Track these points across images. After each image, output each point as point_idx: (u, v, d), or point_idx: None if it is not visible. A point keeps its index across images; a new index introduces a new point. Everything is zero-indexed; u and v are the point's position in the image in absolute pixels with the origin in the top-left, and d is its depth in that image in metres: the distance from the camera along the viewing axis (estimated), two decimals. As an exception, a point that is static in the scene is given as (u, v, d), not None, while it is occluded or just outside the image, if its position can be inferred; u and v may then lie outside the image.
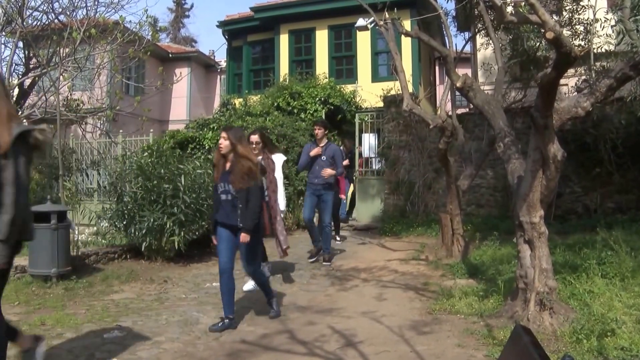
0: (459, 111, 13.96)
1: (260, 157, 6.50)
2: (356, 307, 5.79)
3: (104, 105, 9.64)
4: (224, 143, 5.14)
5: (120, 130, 13.92)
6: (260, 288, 5.63)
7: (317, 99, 14.25)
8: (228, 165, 5.18)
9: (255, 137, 6.82)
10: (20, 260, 7.08)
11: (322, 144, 8.29)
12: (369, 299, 6.18)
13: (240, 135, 5.26)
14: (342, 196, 11.18)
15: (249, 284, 6.50)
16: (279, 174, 7.09)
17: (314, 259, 8.40)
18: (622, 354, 3.82)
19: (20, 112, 9.30)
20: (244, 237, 5.05)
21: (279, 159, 7.25)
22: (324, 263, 8.23)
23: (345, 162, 10.61)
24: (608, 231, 7.32)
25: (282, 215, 7.05)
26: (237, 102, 16.46)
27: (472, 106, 8.73)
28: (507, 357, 1.83)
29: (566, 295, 5.19)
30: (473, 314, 5.18)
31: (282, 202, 7.05)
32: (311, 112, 14.13)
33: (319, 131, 8.32)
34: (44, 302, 5.91)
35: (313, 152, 8.23)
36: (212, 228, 5.45)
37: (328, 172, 8.10)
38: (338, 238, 10.53)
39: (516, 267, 5.19)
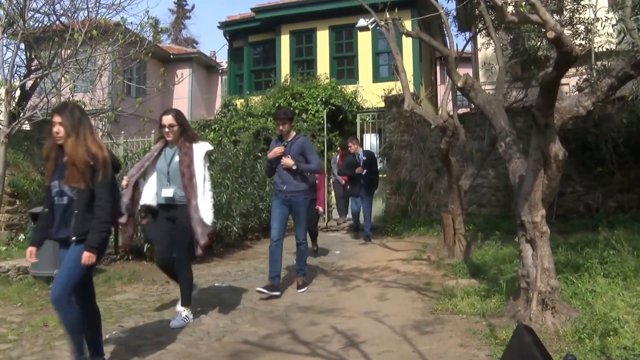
0: (460, 111, 13.95)
1: (175, 146, 5.28)
2: (358, 307, 5.79)
3: (105, 107, 9.62)
4: (60, 130, 3.82)
5: (122, 132, 13.92)
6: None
7: (319, 99, 14.26)
8: (65, 158, 3.84)
9: (168, 119, 5.24)
10: (22, 262, 7.11)
11: (289, 139, 6.68)
12: (371, 299, 6.18)
13: (79, 116, 3.89)
14: (320, 207, 9.32)
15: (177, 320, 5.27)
16: (199, 170, 5.17)
17: (302, 290, 6.74)
18: (624, 353, 3.81)
19: (22, 114, 9.31)
20: (87, 257, 3.71)
21: (200, 149, 5.27)
22: (298, 291, 6.70)
23: (358, 170, 10.50)
24: (610, 230, 7.30)
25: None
26: (239, 102, 16.48)
27: (473, 106, 8.74)
28: (509, 356, 1.83)
29: (568, 294, 5.19)
30: (475, 314, 5.18)
31: (207, 213, 5.12)
32: (312, 112, 14.14)
33: (282, 127, 6.61)
34: (46, 303, 5.90)
35: (271, 154, 6.67)
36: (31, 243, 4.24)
37: (286, 161, 6.47)
38: (315, 249, 9.38)
39: (518, 266, 5.19)
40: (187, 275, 5.31)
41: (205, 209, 5.10)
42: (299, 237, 6.80)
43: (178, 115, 5.32)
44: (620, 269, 5.63)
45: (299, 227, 6.79)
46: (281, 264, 6.58)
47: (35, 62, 10.24)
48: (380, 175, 13.45)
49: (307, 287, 6.84)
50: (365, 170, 10.48)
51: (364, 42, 16.11)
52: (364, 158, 10.54)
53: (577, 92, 5.92)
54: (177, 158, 5.19)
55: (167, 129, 5.22)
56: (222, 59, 24.41)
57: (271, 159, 6.67)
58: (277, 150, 6.57)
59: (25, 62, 10.95)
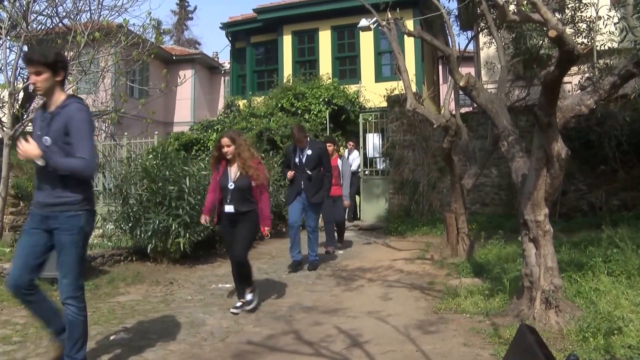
0: (463, 110, 14.01)
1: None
2: (362, 307, 5.79)
3: (108, 108, 9.64)
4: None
5: (125, 133, 13.96)
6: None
7: (321, 99, 14.27)
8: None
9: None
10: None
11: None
12: (374, 298, 6.19)
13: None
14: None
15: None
16: None
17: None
18: (629, 352, 3.81)
19: (25, 116, 9.33)
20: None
21: None
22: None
23: (289, 175, 8.04)
24: (613, 229, 7.30)
25: None
26: (241, 103, 16.50)
27: (475, 105, 8.73)
28: (512, 356, 1.84)
29: (572, 293, 5.18)
30: (479, 313, 5.18)
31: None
32: (315, 112, 14.15)
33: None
34: (50, 304, 5.92)
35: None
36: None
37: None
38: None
39: (521, 265, 5.19)
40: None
41: None
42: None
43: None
44: (624, 267, 5.62)
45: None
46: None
47: (38, 64, 10.24)
48: (383, 175, 13.52)
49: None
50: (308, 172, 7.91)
51: (366, 42, 16.13)
52: (309, 152, 7.89)
53: (579, 91, 5.91)
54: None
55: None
56: (225, 60, 24.48)
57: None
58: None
59: (28, 64, 10.96)
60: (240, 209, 5.70)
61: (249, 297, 5.83)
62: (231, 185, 5.73)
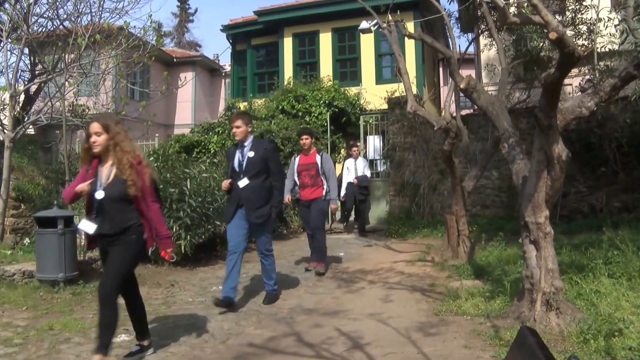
0: (463, 112, 13.98)
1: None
2: (363, 309, 5.80)
3: (109, 111, 9.67)
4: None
5: (126, 135, 13.94)
6: None
7: (322, 101, 14.29)
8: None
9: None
10: (27, 265, 7.14)
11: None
12: (375, 300, 6.19)
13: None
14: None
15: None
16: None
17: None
18: (630, 354, 3.81)
19: (26, 118, 9.35)
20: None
21: None
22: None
23: (224, 184, 6.18)
24: (614, 230, 7.30)
25: None
26: (242, 105, 16.51)
27: (476, 107, 8.73)
28: (512, 358, 1.84)
29: (573, 295, 5.19)
30: (479, 315, 5.18)
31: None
32: (316, 114, 14.17)
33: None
34: (51, 306, 5.94)
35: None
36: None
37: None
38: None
39: (522, 267, 5.19)
40: None
41: None
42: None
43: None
44: (624, 269, 5.62)
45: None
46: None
47: (39, 66, 10.28)
48: (384, 178, 13.51)
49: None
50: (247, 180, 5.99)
51: (367, 44, 16.14)
52: (250, 154, 6.00)
53: (580, 93, 5.91)
54: None
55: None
56: (225, 62, 24.47)
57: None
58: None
59: (29, 66, 11.00)
60: (110, 230, 4.09)
61: (134, 348, 4.43)
62: (100, 194, 4.07)
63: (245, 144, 6.06)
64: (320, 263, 7.86)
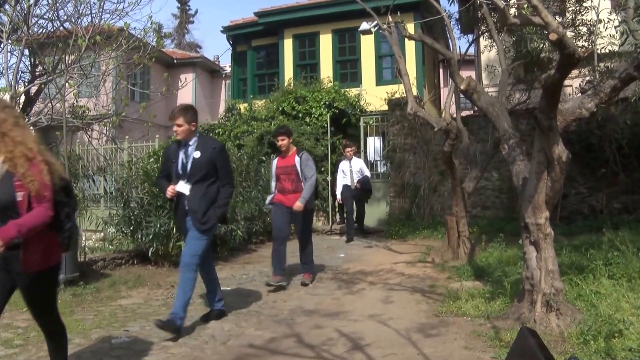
0: (464, 113, 13.99)
1: None
2: (363, 310, 5.80)
3: (109, 112, 9.68)
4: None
5: (126, 137, 13.97)
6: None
7: (322, 102, 14.30)
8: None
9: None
10: (28, 267, 7.13)
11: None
12: (375, 302, 6.19)
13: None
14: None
15: None
16: None
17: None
18: (630, 355, 3.81)
19: (26, 120, 9.33)
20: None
21: None
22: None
23: (169, 192, 5.32)
24: (614, 232, 7.30)
25: None
26: (242, 107, 16.52)
27: (476, 108, 8.74)
28: (512, 359, 1.84)
29: (573, 296, 5.19)
30: (480, 316, 5.18)
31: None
32: (316, 116, 14.18)
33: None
34: (52, 308, 5.93)
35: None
36: None
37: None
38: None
39: (522, 268, 5.19)
40: None
41: None
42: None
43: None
44: (624, 270, 5.63)
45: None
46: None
47: (40, 68, 10.28)
48: (384, 179, 13.52)
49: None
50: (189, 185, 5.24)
51: (367, 46, 16.14)
52: (196, 154, 5.21)
53: (580, 94, 5.92)
54: None
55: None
56: (226, 63, 24.48)
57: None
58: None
59: (29, 68, 10.99)
60: None
61: None
62: None
63: (190, 142, 5.24)
64: (308, 274, 7.36)
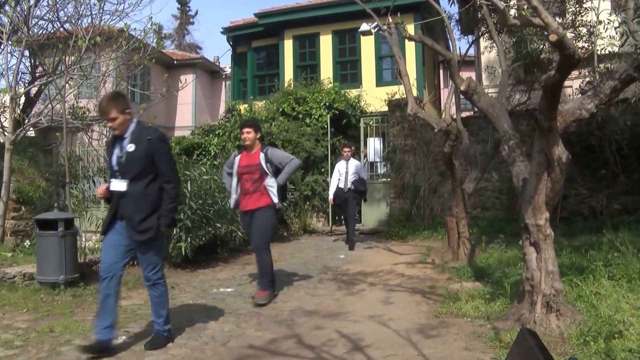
0: (464, 114, 14.01)
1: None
2: (363, 311, 5.80)
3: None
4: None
5: (127, 137, 13.96)
6: None
7: (322, 104, 14.30)
8: None
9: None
10: (28, 268, 7.14)
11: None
12: (375, 302, 6.19)
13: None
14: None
15: None
16: None
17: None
18: (630, 356, 3.81)
19: (26, 121, 9.35)
20: None
21: None
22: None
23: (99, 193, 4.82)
24: (614, 233, 7.29)
25: None
26: (242, 107, 16.52)
27: (476, 109, 8.74)
28: None
29: (573, 297, 5.19)
30: (480, 317, 5.18)
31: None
32: (316, 117, 14.18)
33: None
34: (52, 309, 5.94)
35: None
36: None
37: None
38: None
39: (522, 269, 5.19)
40: None
41: None
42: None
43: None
44: (624, 271, 5.63)
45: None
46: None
47: (40, 69, 10.30)
48: (384, 180, 13.52)
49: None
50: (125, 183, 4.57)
51: (367, 47, 16.15)
52: (130, 147, 4.52)
53: (580, 95, 5.93)
54: None
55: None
56: (226, 64, 24.51)
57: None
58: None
59: (29, 69, 11.02)
60: None
61: None
62: None
63: (126, 135, 4.52)
64: (263, 291, 6.29)
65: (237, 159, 6.54)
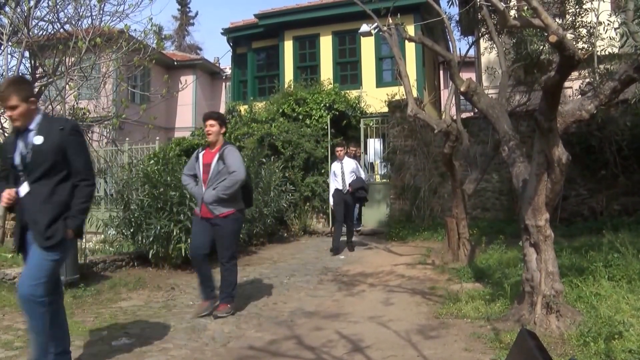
0: (464, 115, 14.02)
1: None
2: (363, 312, 5.80)
3: (110, 114, 9.67)
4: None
5: (127, 139, 13.99)
6: None
7: (322, 104, 14.29)
8: None
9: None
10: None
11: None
12: (375, 303, 6.19)
13: None
14: None
15: None
16: None
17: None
18: (629, 357, 3.81)
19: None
20: None
21: None
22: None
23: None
24: (614, 233, 7.31)
25: None
26: (243, 108, 16.53)
27: (476, 110, 8.75)
28: (512, 360, 1.84)
29: (573, 298, 5.19)
30: (480, 318, 5.18)
31: None
32: (316, 118, 14.18)
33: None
34: (52, 310, 5.93)
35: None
36: None
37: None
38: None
39: (522, 270, 5.19)
40: None
41: None
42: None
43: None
44: (624, 272, 5.63)
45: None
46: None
47: (40, 70, 10.29)
48: (384, 181, 13.53)
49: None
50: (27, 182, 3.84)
51: (367, 48, 16.16)
52: (37, 140, 3.72)
53: (580, 96, 5.93)
54: None
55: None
56: (226, 65, 24.53)
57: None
58: None
59: (29, 70, 10.99)
60: None
61: None
62: None
63: (31, 126, 3.75)
64: (225, 304, 5.79)
65: (201, 156, 5.89)
